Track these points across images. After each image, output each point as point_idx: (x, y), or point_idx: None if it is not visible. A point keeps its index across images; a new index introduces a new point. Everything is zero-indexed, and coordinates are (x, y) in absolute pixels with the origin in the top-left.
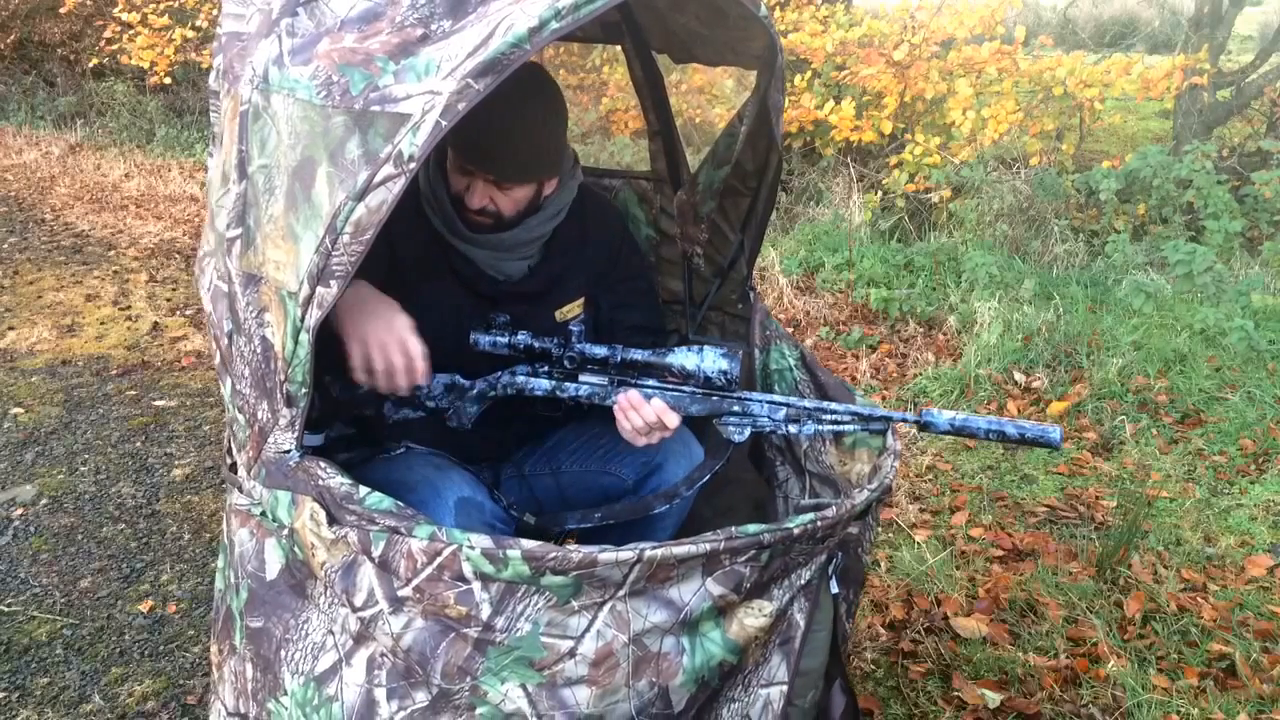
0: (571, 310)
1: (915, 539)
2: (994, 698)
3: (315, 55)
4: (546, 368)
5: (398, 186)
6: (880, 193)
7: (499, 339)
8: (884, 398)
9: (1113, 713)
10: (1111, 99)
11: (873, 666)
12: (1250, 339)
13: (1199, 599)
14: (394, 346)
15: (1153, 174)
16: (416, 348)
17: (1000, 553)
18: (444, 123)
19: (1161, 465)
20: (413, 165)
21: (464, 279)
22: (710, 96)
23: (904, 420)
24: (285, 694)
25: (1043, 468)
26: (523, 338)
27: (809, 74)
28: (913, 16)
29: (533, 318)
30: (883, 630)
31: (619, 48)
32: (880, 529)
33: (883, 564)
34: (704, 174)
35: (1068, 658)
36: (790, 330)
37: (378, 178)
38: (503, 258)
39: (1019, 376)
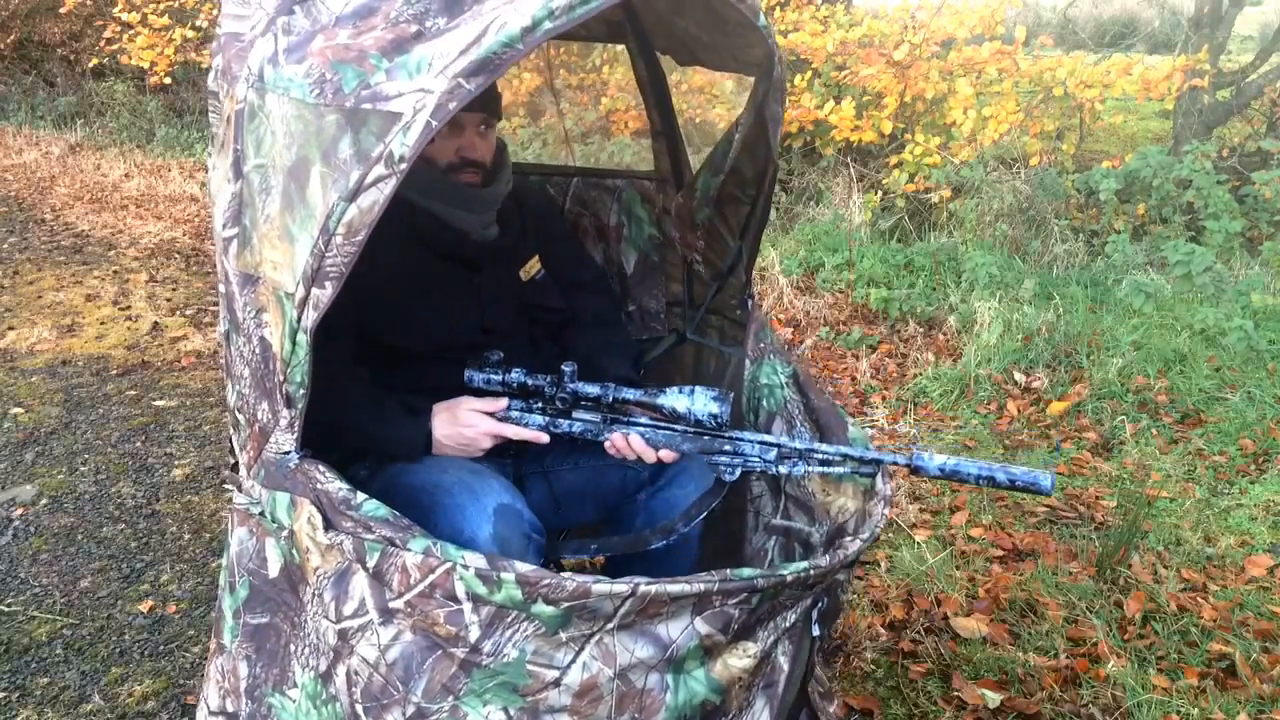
0: (533, 266)
1: (915, 539)
2: (994, 698)
3: (309, 53)
4: (540, 404)
5: (389, 187)
6: (880, 193)
7: (492, 377)
8: (884, 398)
9: (1113, 713)
10: (1111, 99)
11: (873, 666)
12: (1250, 339)
13: (1199, 599)
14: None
15: (1153, 174)
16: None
17: (1000, 553)
18: (434, 122)
19: (1161, 465)
20: (403, 166)
21: (435, 245)
22: (710, 97)
23: (894, 463)
24: (295, 687)
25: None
26: (516, 375)
27: (809, 74)
28: (913, 16)
29: (505, 277)
30: (883, 630)
31: (619, 47)
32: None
33: (883, 564)
34: (701, 180)
35: (1068, 658)
36: (790, 330)
37: (369, 178)
38: (486, 219)
39: (1019, 376)
